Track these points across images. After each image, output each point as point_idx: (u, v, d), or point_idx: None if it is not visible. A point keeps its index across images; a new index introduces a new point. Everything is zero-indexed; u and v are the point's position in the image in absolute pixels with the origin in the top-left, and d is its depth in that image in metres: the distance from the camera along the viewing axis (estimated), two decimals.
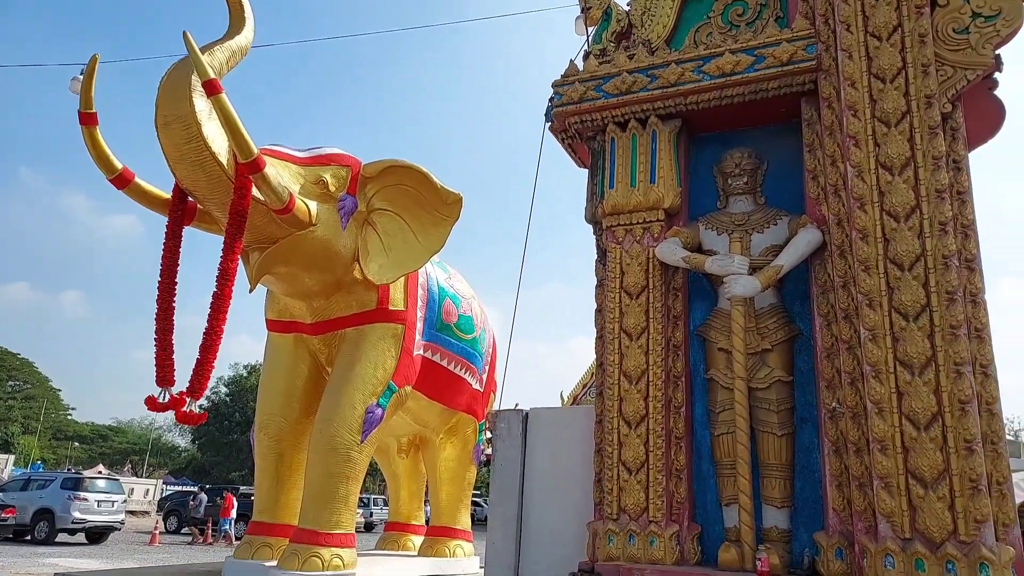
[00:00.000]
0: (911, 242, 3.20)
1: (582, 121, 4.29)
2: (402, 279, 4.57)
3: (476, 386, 5.40)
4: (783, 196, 3.98)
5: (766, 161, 4.08)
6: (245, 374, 36.11)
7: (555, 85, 4.33)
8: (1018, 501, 8.21)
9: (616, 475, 3.60)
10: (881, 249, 3.25)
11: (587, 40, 4.71)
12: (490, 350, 5.74)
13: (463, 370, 5.19)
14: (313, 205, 4.08)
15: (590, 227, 4.35)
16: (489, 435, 4.42)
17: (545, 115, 4.56)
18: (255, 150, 3.58)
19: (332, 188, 4.24)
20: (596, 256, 4.30)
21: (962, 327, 3.04)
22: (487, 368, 5.65)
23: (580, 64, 4.40)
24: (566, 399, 15.56)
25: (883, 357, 3.11)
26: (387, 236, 4.42)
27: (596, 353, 4.06)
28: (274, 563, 4.14)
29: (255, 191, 3.71)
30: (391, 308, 4.54)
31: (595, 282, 4.23)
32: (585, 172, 4.54)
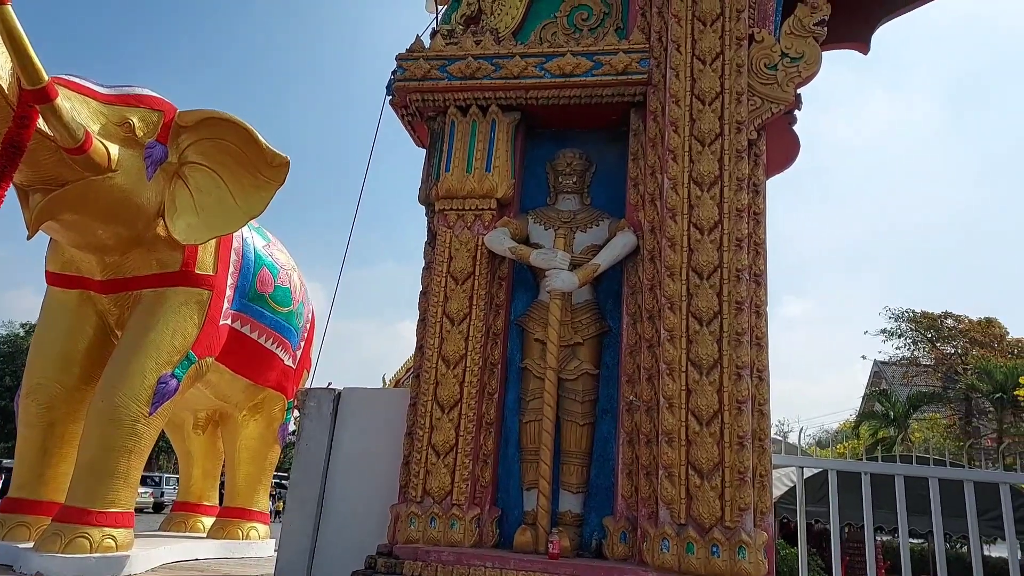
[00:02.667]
0: (711, 254, 3.49)
1: (424, 99, 4.22)
2: (213, 241, 4.23)
3: (288, 362, 5.15)
4: (607, 199, 4.17)
5: (595, 164, 4.26)
6: (22, 333, 32.00)
7: (399, 59, 4.22)
8: (778, 493, 9.29)
9: (424, 458, 3.60)
10: (685, 258, 3.51)
11: (436, 18, 4.65)
12: (307, 326, 5.50)
13: (275, 344, 4.92)
14: (114, 149, 3.65)
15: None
16: (297, 414, 4.23)
17: (387, 88, 4.43)
18: (45, 77, 3.13)
19: (139, 133, 3.82)
20: (426, 238, 4.26)
21: (746, 335, 3.37)
22: (303, 344, 5.41)
23: (427, 41, 4.32)
24: (389, 382, 15.36)
25: (678, 357, 3.36)
26: (199, 193, 4.06)
27: (417, 336, 4.03)
28: (30, 544, 3.66)
29: (42, 124, 3.24)
30: (198, 272, 4.20)
31: (423, 264, 4.19)
32: (423, 152, 4.47)
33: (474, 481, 3.60)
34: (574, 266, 3.80)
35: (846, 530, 9.50)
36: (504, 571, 3.17)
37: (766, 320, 3.60)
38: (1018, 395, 16.05)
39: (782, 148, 4.38)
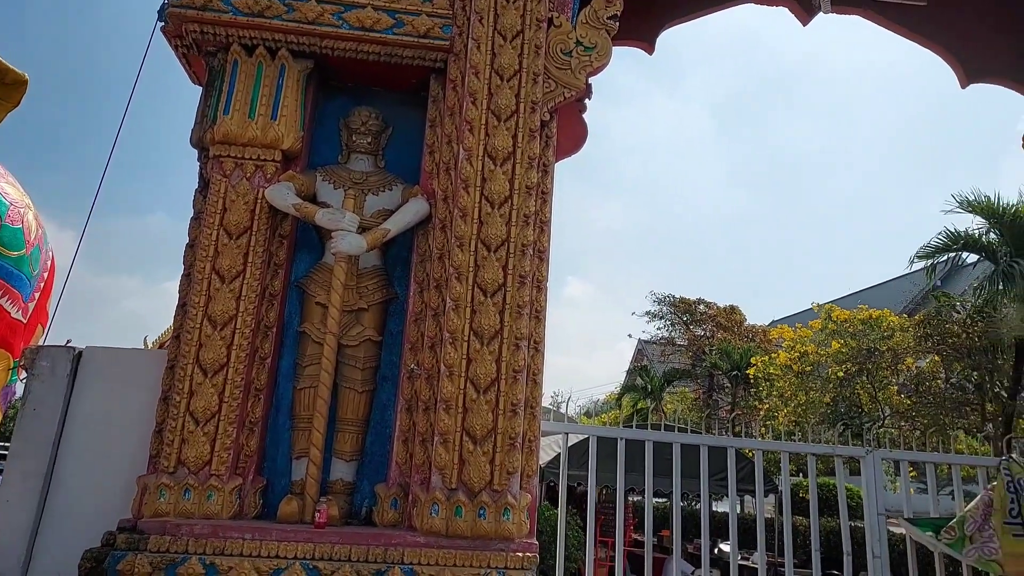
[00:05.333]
0: (500, 228, 3.56)
1: (203, 32, 3.80)
2: None
3: (17, 315, 4.41)
4: (402, 164, 4.08)
5: (392, 126, 4.14)
6: None
7: None
8: (548, 459, 9.87)
9: (181, 425, 3.28)
10: (475, 230, 3.54)
11: None
12: (45, 275, 4.75)
13: (0, 294, 4.19)
14: None
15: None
16: (25, 375, 3.65)
17: (159, 12, 3.92)
18: None
19: None
20: (198, 185, 3.86)
21: (527, 307, 3.49)
22: (37, 296, 4.67)
23: None
24: (152, 345, 13.91)
25: (461, 326, 3.40)
26: None
27: (180, 292, 3.65)
28: None
29: None
30: None
31: (192, 214, 3.80)
32: (200, 90, 4.04)
33: (237, 450, 3.36)
34: (363, 229, 3.67)
35: (603, 492, 10.41)
36: (265, 542, 3.01)
37: (546, 295, 3.76)
38: (749, 373, 18.66)
39: (571, 134, 4.59)
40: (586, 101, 4.49)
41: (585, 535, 4.12)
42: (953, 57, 5.41)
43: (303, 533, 3.08)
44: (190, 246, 3.70)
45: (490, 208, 3.58)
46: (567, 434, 4.14)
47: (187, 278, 3.62)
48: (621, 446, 4.08)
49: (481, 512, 3.14)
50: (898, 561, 4.51)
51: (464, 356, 3.35)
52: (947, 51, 5.41)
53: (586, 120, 4.69)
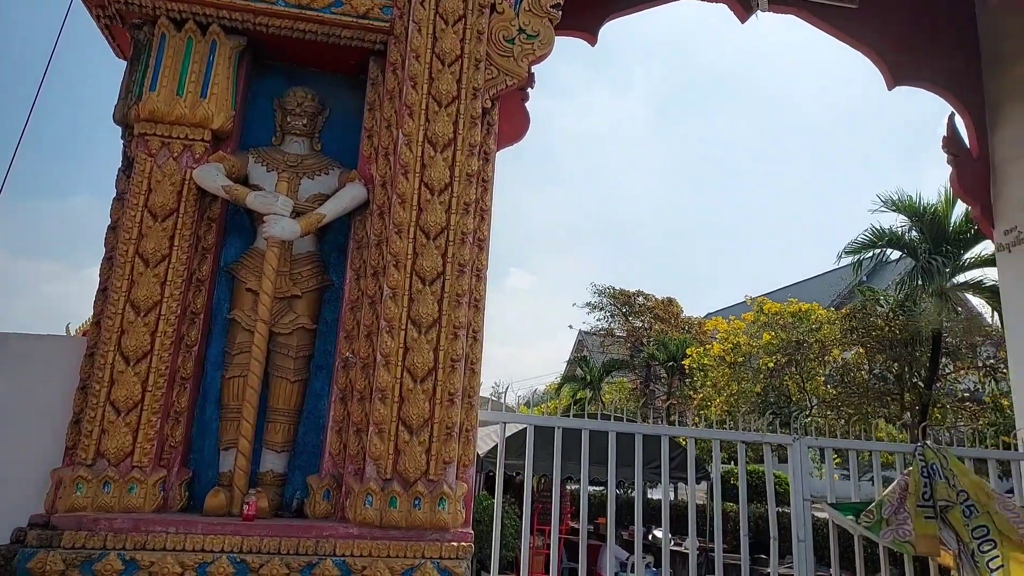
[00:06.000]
0: (440, 215, 3.51)
1: (127, 3, 3.61)
2: None
3: None
4: (339, 148, 3.98)
5: (329, 109, 4.03)
6: None
7: None
8: (488, 448, 9.85)
9: (101, 415, 3.13)
10: (414, 216, 3.48)
11: None
12: None
13: None
14: None
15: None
16: None
17: None
18: None
19: None
20: (121, 164, 3.68)
21: (466, 296, 3.46)
22: None
23: None
24: (76, 332, 13.29)
25: (399, 315, 3.34)
26: None
27: (101, 276, 3.48)
28: None
29: None
30: None
31: (115, 195, 3.62)
32: (125, 65, 3.84)
33: (162, 441, 3.23)
34: (297, 214, 3.57)
35: (542, 481, 10.50)
36: (190, 535, 2.90)
37: (485, 283, 3.73)
38: (684, 364, 19.11)
39: (514, 122, 4.57)
40: (528, 90, 4.48)
41: (523, 524, 4.13)
42: (881, 59, 5.63)
43: (230, 526, 2.98)
44: (112, 228, 3.53)
45: (430, 195, 3.52)
46: (504, 423, 4.14)
47: (109, 262, 3.45)
48: (558, 435, 4.10)
49: (416, 502, 3.11)
50: (822, 545, 4.69)
51: (401, 345, 3.30)
52: (875, 53, 5.62)
53: (528, 109, 4.69)
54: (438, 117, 3.62)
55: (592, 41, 5.26)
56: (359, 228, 3.72)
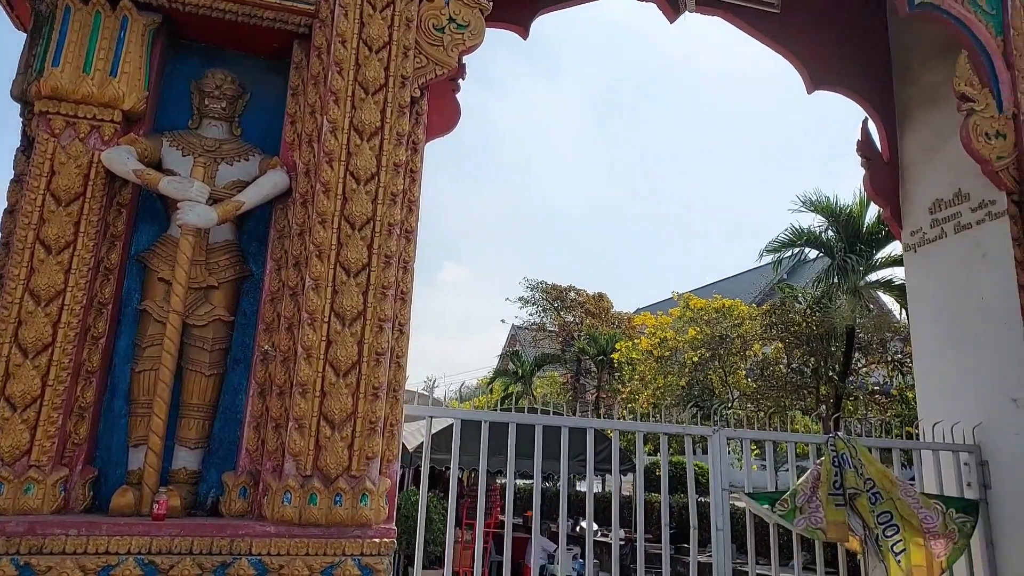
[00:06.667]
0: (365, 205, 3.43)
1: None
2: None
3: None
4: (260, 133, 3.83)
5: (250, 93, 3.88)
6: None
7: None
8: (416, 443, 9.74)
9: None
10: (339, 206, 3.39)
11: None
12: None
13: None
14: None
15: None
16: None
17: None
18: None
19: None
20: (20, 144, 3.45)
21: (392, 288, 3.40)
22: None
23: None
24: None
25: (321, 307, 3.25)
26: None
27: None
28: None
29: None
30: None
31: (12, 176, 3.39)
32: (25, 37, 3.59)
33: (64, 438, 3.05)
34: (214, 201, 3.42)
35: (471, 475, 10.49)
36: (93, 537, 2.75)
37: (412, 276, 3.67)
38: (613, 358, 19.46)
39: (444, 113, 4.50)
40: (460, 81, 4.42)
41: (449, 518, 4.10)
42: (801, 64, 5.83)
43: (139, 526, 2.84)
44: (9, 212, 3.30)
45: (355, 184, 3.44)
46: (431, 418, 4.09)
47: (5, 248, 3.22)
48: (485, 428, 4.08)
49: (337, 499, 3.03)
50: (740, 533, 4.84)
51: (324, 338, 3.21)
52: (796, 57, 5.82)
53: (459, 101, 4.63)
54: (365, 105, 3.54)
55: (524, 35, 5.25)
56: (281, 217, 3.60)
